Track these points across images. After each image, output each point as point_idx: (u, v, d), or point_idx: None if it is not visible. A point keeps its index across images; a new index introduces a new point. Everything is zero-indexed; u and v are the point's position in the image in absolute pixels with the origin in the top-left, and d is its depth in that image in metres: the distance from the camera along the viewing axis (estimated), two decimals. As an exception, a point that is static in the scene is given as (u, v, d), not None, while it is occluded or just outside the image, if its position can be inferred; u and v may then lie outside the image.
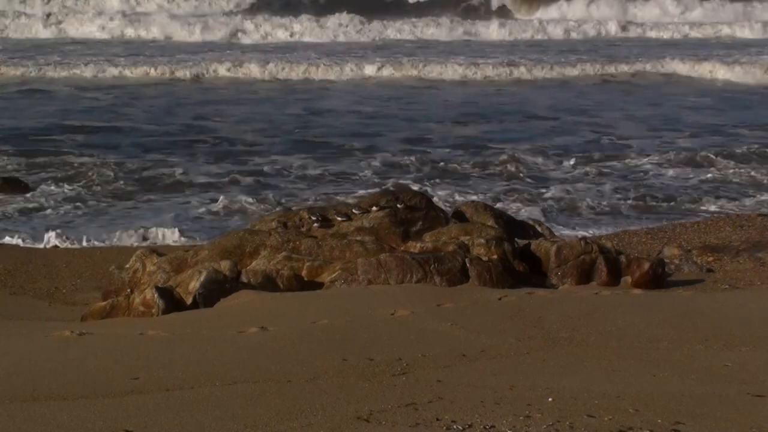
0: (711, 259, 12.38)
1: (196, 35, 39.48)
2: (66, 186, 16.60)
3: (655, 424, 5.45)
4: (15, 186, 16.34)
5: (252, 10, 44.68)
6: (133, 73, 29.99)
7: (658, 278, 10.33)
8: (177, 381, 6.32)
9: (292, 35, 40.13)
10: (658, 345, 7.20)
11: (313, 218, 10.88)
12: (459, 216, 11.35)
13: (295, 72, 30.77)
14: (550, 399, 5.85)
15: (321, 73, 30.96)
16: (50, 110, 23.99)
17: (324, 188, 16.94)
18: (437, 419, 5.50)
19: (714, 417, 5.58)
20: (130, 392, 6.12)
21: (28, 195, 16.03)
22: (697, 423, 5.49)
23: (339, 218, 10.87)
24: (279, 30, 40.38)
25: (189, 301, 9.49)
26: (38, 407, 5.85)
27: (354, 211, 10.97)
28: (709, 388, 6.13)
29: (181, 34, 39.54)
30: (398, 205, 10.93)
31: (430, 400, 5.84)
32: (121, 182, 16.90)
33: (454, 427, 5.40)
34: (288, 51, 35.61)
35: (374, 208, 10.90)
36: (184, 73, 30.17)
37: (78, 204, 15.66)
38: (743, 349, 7.08)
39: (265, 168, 18.24)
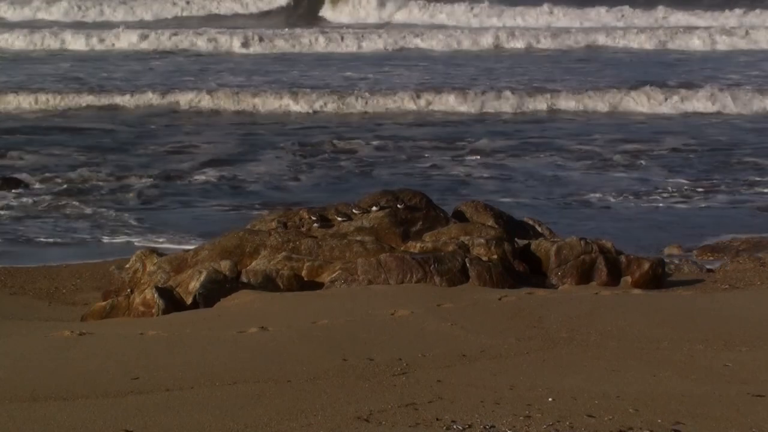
0: (711, 259, 12.41)
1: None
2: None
3: (655, 424, 5.46)
4: (15, 186, 16.36)
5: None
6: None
7: (658, 278, 10.34)
8: (177, 381, 6.32)
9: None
10: (658, 345, 7.20)
11: (313, 218, 10.88)
12: (459, 216, 11.35)
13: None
14: (550, 399, 5.85)
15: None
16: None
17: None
18: (437, 419, 5.50)
19: (714, 417, 5.59)
20: (130, 392, 6.12)
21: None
22: (697, 423, 5.50)
23: (339, 218, 10.87)
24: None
25: (189, 301, 9.49)
26: (38, 407, 5.85)
27: (354, 211, 10.96)
28: (709, 388, 6.13)
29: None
30: (398, 205, 10.93)
31: (430, 400, 5.84)
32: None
33: (454, 427, 5.40)
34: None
35: (374, 208, 10.90)
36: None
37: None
38: (743, 349, 7.08)
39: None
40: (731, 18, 40.49)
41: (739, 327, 7.72)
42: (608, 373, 6.45)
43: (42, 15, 40.71)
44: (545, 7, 41.49)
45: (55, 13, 40.97)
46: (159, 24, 38.89)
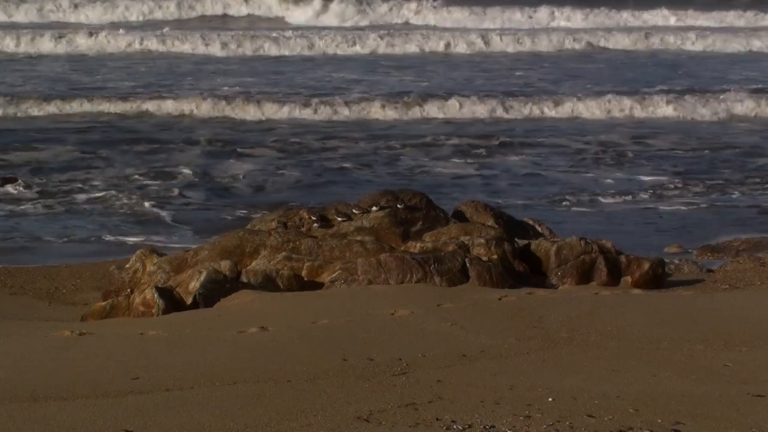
0: (711, 259, 12.41)
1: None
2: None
3: (655, 424, 5.46)
4: (14, 185, 16.37)
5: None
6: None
7: (658, 278, 10.34)
8: (177, 381, 6.32)
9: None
10: (658, 345, 7.20)
11: (313, 218, 10.88)
12: (459, 216, 11.35)
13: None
14: (550, 399, 5.85)
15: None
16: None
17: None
18: (437, 419, 5.51)
19: (714, 417, 5.59)
20: (130, 392, 6.12)
21: None
22: (697, 423, 5.50)
23: (339, 218, 10.87)
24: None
25: (189, 301, 9.49)
26: (38, 407, 5.85)
27: (354, 211, 10.97)
28: (709, 388, 6.13)
29: None
30: (398, 205, 10.93)
31: (430, 400, 5.85)
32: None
33: (454, 427, 5.40)
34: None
35: (374, 208, 10.90)
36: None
37: None
38: (743, 349, 7.08)
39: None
40: (725, 20, 40.65)
41: (739, 327, 7.72)
42: (608, 373, 6.45)
43: (33, 16, 40.72)
44: (545, 8, 41.57)
45: (44, 15, 40.97)
46: (136, 26, 39.01)
